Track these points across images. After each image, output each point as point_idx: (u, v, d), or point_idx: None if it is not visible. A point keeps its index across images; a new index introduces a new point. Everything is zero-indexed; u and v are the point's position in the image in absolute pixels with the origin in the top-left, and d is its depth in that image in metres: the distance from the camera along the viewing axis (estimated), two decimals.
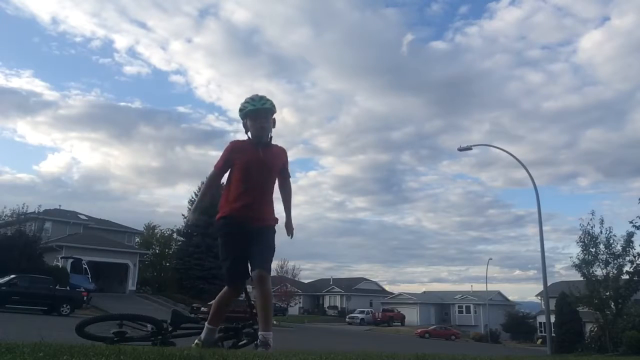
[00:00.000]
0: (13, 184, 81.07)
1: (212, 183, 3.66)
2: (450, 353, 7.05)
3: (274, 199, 3.67)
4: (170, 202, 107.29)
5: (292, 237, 3.84)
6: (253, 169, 3.47)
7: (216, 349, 2.95)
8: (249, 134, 3.56)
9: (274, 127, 3.61)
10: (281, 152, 3.69)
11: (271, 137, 3.61)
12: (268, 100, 3.55)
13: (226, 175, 3.65)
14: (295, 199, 3.61)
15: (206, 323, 3.63)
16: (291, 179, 3.88)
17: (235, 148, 3.56)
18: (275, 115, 3.62)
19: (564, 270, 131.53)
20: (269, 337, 3.34)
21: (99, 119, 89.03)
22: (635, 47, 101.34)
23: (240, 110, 3.55)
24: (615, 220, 64.98)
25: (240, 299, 3.94)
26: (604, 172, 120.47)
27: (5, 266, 23.57)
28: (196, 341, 3.58)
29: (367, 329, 45.95)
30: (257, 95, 3.56)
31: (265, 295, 3.37)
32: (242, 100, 3.59)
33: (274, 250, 3.55)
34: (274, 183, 3.63)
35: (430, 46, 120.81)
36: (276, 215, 3.68)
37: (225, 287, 3.59)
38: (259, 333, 3.34)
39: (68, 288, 24.32)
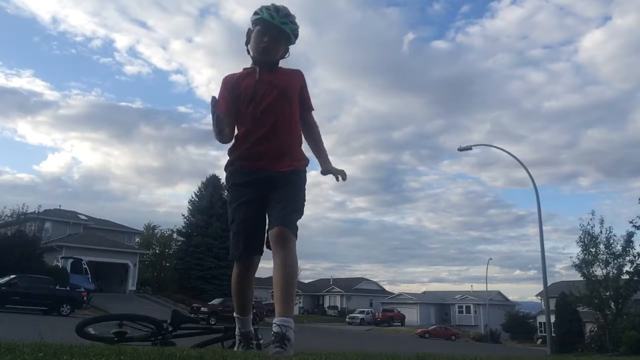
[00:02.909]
0: (13, 184, 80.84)
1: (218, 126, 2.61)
2: (450, 353, 7.05)
3: (300, 138, 2.86)
4: (170, 202, 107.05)
5: (345, 177, 2.94)
6: (258, 95, 2.62)
7: (216, 349, 2.94)
8: (249, 47, 2.70)
9: (283, 56, 2.74)
10: (295, 74, 2.77)
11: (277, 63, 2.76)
12: (292, 23, 2.63)
13: None
14: None
15: (234, 314, 2.92)
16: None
17: (229, 80, 2.73)
18: (292, 46, 2.73)
19: (564, 270, 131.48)
20: (289, 326, 2.26)
21: (100, 118, 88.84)
22: (636, 46, 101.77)
23: (254, 14, 2.65)
24: (616, 220, 65.33)
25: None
26: (604, 172, 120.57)
27: (5, 266, 23.57)
28: (237, 336, 2.90)
29: (367, 329, 45.89)
30: (284, 7, 2.64)
31: (287, 264, 2.40)
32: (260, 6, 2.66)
33: (303, 202, 2.69)
34: (293, 111, 2.72)
35: (432, 46, 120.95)
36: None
37: (235, 265, 2.69)
38: (274, 322, 2.29)
39: (68, 288, 24.31)
